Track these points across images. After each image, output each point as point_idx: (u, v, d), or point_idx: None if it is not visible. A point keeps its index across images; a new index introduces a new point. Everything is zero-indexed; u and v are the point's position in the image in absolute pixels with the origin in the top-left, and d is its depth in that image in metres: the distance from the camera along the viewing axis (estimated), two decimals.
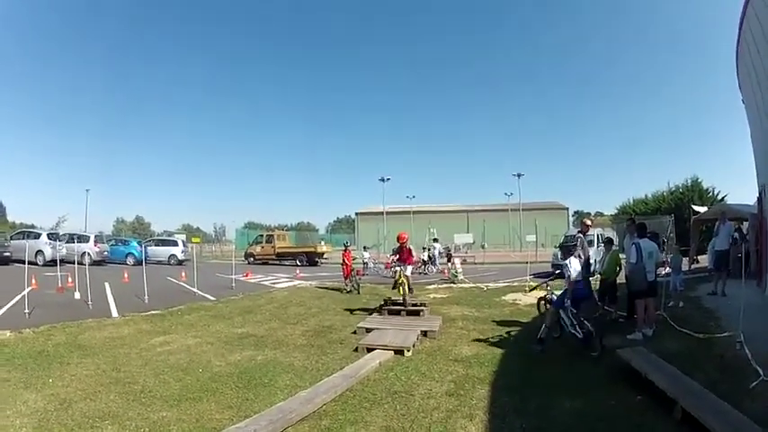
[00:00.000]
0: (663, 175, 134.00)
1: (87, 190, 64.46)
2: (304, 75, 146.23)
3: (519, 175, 62.78)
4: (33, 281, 15.34)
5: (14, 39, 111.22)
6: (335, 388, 5.89)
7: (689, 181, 37.74)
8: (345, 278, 17.62)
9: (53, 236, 28.02)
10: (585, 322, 7.68)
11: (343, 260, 17.86)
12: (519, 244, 50.92)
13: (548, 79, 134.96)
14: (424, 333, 9.16)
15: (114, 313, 12.06)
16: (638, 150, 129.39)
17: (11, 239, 27.50)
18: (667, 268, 13.79)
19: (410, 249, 12.36)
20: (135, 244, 32.94)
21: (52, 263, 22.93)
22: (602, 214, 67.63)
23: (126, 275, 20.07)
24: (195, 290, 17.14)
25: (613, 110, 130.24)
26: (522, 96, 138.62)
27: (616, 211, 46.48)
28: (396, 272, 12.35)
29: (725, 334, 7.94)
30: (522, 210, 63.27)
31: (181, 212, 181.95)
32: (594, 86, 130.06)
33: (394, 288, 12.25)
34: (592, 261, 10.03)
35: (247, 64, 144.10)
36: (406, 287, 11.76)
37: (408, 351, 7.83)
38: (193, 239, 28.91)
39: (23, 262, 15.45)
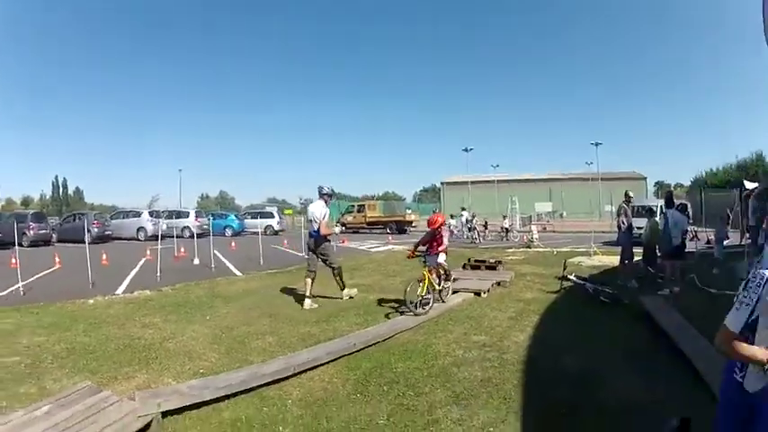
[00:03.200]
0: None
1: (180, 170, 73.40)
2: (389, 50, 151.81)
3: (597, 144, 66.61)
4: (148, 252, 18.73)
5: (108, 23, 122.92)
6: (430, 313, 8.94)
7: (753, 155, 37.84)
8: None
9: (153, 213, 33.34)
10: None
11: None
12: (598, 213, 52.92)
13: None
14: (498, 283, 11.87)
15: (237, 272, 15.28)
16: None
17: (111, 219, 32.09)
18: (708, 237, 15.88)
19: (443, 235, 9.81)
20: (233, 217, 38.49)
21: (153, 238, 27.83)
22: (681, 185, 73.92)
23: (233, 244, 23.84)
24: (302, 254, 19.60)
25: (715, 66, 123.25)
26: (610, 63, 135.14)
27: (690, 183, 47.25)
28: (424, 264, 9.55)
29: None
30: (602, 179, 66.20)
31: (263, 186, 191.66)
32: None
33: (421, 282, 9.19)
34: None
35: (331, 39, 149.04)
36: (438, 279, 9.68)
37: (484, 294, 10.82)
38: (286, 211, 32.83)
39: (122, 239, 18.58)
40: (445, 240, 9.98)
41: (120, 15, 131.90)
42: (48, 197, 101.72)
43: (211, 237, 20.53)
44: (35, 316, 9.30)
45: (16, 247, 15.23)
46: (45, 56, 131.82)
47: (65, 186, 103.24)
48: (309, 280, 10.16)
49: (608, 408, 4.78)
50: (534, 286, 12.07)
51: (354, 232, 39.15)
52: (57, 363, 6.48)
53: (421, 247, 9.95)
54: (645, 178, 77.97)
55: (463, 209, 34.40)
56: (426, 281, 9.14)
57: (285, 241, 25.68)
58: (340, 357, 6.40)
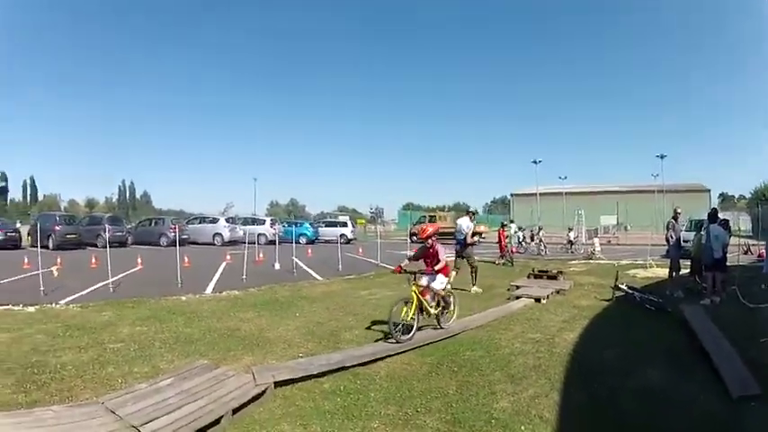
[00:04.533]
0: None
1: (255, 179, 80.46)
2: (452, 59, 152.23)
3: (662, 157, 66.81)
4: (228, 257, 20.24)
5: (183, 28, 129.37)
6: (494, 315, 10.30)
7: None
8: (501, 253, 23.05)
9: (230, 219, 35.65)
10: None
11: (499, 238, 23.55)
12: (662, 226, 53.03)
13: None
14: (557, 291, 13.12)
15: (318, 277, 16.55)
16: None
17: (187, 224, 34.09)
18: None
19: (438, 251, 8.78)
20: (307, 225, 40.51)
21: (229, 243, 30.25)
22: (743, 197, 75.13)
23: (309, 252, 25.47)
24: (377, 261, 21.78)
25: None
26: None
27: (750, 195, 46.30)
28: (414, 282, 8.42)
29: None
30: (666, 192, 66.07)
31: (333, 195, 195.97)
32: None
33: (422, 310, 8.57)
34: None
35: (405, 49, 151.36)
36: (434, 303, 8.75)
37: (543, 300, 11.93)
38: (359, 221, 33.97)
39: (197, 244, 19.88)
40: (442, 257, 8.72)
41: (200, 20, 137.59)
42: (114, 200, 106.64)
43: (293, 243, 22.54)
44: (131, 310, 10.47)
45: (108, 249, 16.51)
46: (116, 61, 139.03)
47: (132, 190, 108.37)
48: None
49: (635, 390, 5.94)
50: (590, 295, 13.19)
51: None
52: (165, 348, 7.52)
53: (410, 265, 9.04)
54: (708, 191, 77.94)
55: (511, 221, 35.07)
56: (414, 303, 8.20)
57: (360, 249, 27.27)
58: (418, 347, 7.82)
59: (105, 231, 28.30)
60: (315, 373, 6.16)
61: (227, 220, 35.36)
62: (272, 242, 29.59)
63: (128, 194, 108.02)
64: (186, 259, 15.50)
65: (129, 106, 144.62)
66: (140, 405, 4.84)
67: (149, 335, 8.38)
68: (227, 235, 33.01)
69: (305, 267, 19.05)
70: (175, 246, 27.44)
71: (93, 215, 41.99)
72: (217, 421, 4.69)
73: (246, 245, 19.44)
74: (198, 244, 30.82)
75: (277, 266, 18.50)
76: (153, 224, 34.82)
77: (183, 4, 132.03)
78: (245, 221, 36.57)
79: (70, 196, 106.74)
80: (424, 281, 8.73)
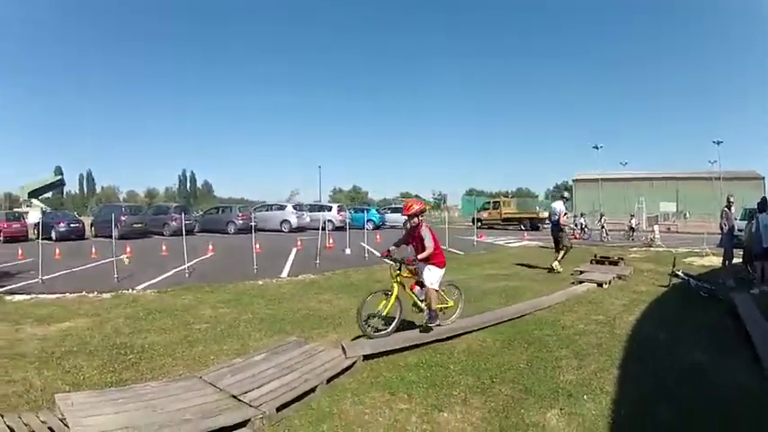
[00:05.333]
0: None
1: (319, 166, 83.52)
2: (515, 44, 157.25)
3: (718, 143, 67.26)
4: (298, 242, 20.94)
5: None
6: (560, 297, 10.82)
7: None
8: None
9: (297, 206, 36.69)
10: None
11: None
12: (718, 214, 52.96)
13: None
14: (618, 276, 13.58)
15: (389, 262, 16.23)
16: None
17: (255, 211, 34.75)
18: None
19: (422, 233, 7.56)
20: (373, 211, 41.78)
21: (296, 230, 31.43)
22: None
23: (378, 237, 25.76)
24: (444, 246, 21.07)
25: None
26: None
27: None
28: (397, 270, 7.58)
29: None
30: (722, 179, 66.51)
31: (395, 180, 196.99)
32: None
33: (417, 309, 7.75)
34: None
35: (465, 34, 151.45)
36: (426, 307, 7.56)
37: (605, 285, 12.34)
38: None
39: (265, 230, 20.59)
40: (429, 243, 7.44)
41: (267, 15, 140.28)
42: (174, 190, 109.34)
43: (366, 230, 24.17)
44: (211, 294, 11.11)
45: (183, 236, 17.16)
46: (177, 56, 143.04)
47: (192, 180, 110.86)
48: (561, 253, 14.86)
49: (684, 367, 6.41)
50: (649, 281, 13.62)
51: (489, 228, 41.62)
52: (251, 327, 8.02)
53: (398, 251, 7.98)
54: (763, 178, 77.86)
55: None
56: (394, 295, 7.31)
57: None
58: (492, 325, 8.38)
59: (173, 220, 29.59)
60: (399, 347, 6.75)
61: (294, 207, 36.24)
62: (339, 228, 30.37)
63: (188, 184, 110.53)
64: (258, 245, 15.95)
65: (191, 98, 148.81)
66: (238, 377, 5.26)
67: (233, 316, 8.93)
68: (294, 221, 33.73)
69: (375, 252, 19.27)
70: (242, 233, 28.60)
71: (159, 205, 43.74)
72: (312, 390, 5.12)
73: (319, 231, 19.84)
74: (265, 231, 31.38)
75: (348, 251, 19.21)
76: (220, 212, 36.21)
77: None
78: (312, 208, 37.67)
79: (129, 187, 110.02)
80: (429, 277, 7.54)
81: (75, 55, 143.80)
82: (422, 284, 7.65)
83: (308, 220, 33.85)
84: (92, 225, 32.45)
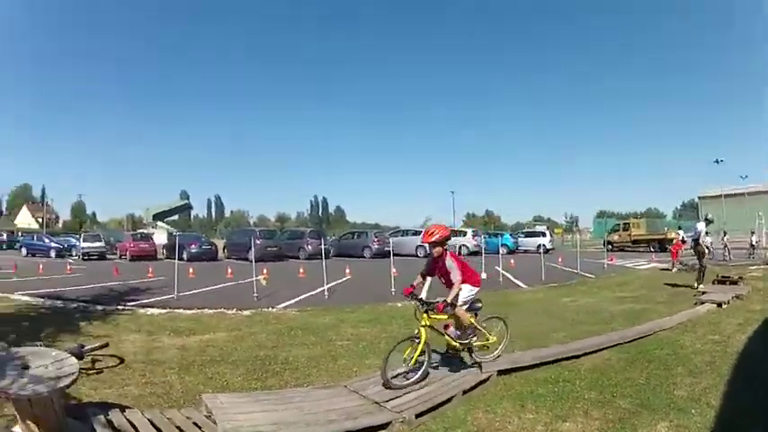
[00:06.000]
0: None
1: (452, 192, 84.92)
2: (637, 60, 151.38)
3: None
4: None
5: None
6: (681, 318, 11.06)
7: None
8: (673, 260, 24.22)
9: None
10: None
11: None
12: None
13: None
14: (737, 296, 13.73)
15: (522, 285, 17.78)
16: None
17: (390, 236, 36.15)
18: None
19: (446, 264, 6.84)
20: (507, 236, 41.81)
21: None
22: None
23: (512, 261, 26.19)
24: (576, 270, 22.60)
25: None
26: None
27: None
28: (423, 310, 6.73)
29: None
30: None
31: (527, 204, 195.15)
32: None
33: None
34: None
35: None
36: (459, 332, 6.96)
37: (724, 305, 12.49)
38: (556, 230, 34.26)
39: (400, 255, 21.57)
40: (456, 276, 6.69)
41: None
42: (306, 215, 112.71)
43: (500, 254, 25.26)
44: (351, 314, 11.79)
45: (323, 260, 18.01)
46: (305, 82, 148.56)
47: (324, 205, 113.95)
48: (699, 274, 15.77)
49: None
50: (764, 300, 13.68)
51: (620, 250, 41.85)
52: (391, 344, 8.30)
53: (420, 284, 7.31)
54: None
55: (679, 227, 34.92)
56: (422, 341, 6.47)
57: (559, 258, 28.15)
58: (615, 345, 8.63)
59: (308, 244, 30.88)
60: (529, 364, 7.15)
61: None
62: (474, 253, 30.73)
63: (320, 209, 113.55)
64: (394, 269, 16.54)
65: (322, 125, 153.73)
66: (379, 387, 5.72)
67: (374, 334, 9.49)
68: (428, 247, 33.43)
69: (510, 276, 19.93)
70: (378, 257, 29.44)
71: (294, 229, 45.57)
72: (449, 400, 5.51)
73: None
74: (400, 255, 32.15)
75: (484, 275, 19.13)
76: (356, 237, 37.80)
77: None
78: None
79: (261, 212, 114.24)
80: (458, 295, 6.73)
81: (203, 82, 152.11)
82: (458, 324, 6.94)
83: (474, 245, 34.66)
84: (224, 247, 34.90)
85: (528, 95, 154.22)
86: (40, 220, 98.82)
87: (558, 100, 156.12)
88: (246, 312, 12.14)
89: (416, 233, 36.46)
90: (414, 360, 6.48)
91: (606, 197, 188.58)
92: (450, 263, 6.80)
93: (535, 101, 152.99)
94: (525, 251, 39.34)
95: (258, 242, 28.87)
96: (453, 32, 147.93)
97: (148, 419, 4.98)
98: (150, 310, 12.65)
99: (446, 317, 6.90)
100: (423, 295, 7.06)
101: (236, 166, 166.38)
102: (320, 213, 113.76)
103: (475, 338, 7.00)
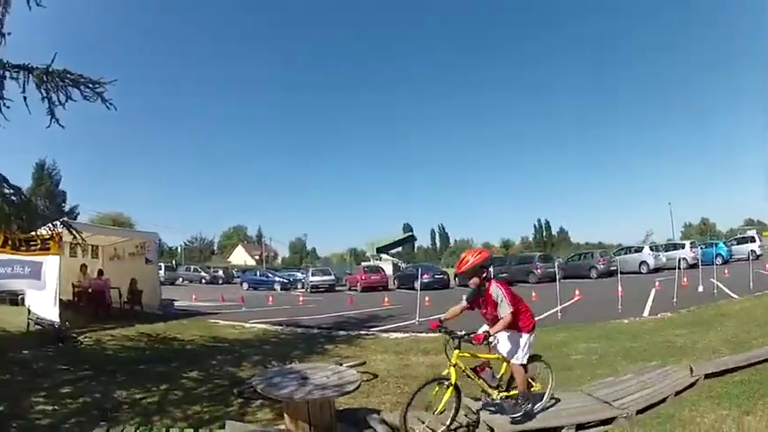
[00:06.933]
0: None
1: (669, 203, 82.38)
2: None
3: None
4: (656, 283, 22.00)
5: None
6: None
7: None
8: None
9: (653, 247, 37.42)
10: None
11: None
12: None
13: None
14: None
15: (734, 295, 17.71)
16: None
17: (614, 255, 36.25)
18: None
19: (502, 293, 5.62)
20: (721, 245, 39.53)
21: (653, 271, 32.01)
22: None
23: (726, 272, 25.81)
24: None
25: None
26: None
27: None
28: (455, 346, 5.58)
29: None
30: None
31: (740, 208, 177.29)
32: None
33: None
34: None
35: None
36: (500, 396, 5.85)
37: None
38: (764, 233, 31.95)
39: (624, 273, 24.88)
40: (504, 309, 5.56)
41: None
42: (530, 239, 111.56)
43: (715, 266, 23.78)
44: (582, 331, 12.83)
45: (557, 281, 19.25)
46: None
47: (547, 228, 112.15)
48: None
49: None
50: None
51: None
52: (619, 357, 9.68)
53: (454, 314, 6.07)
54: None
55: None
56: (452, 383, 5.49)
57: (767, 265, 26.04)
58: None
59: (537, 268, 31.86)
60: (733, 367, 7.53)
61: (650, 248, 36.61)
62: (692, 265, 30.03)
63: (544, 232, 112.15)
64: (620, 288, 17.14)
65: (534, 150, 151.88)
66: (609, 390, 6.85)
67: (603, 348, 10.48)
68: (651, 263, 33.89)
69: (723, 287, 19.60)
70: (604, 277, 29.77)
71: (524, 255, 46.26)
72: (663, 400, 6.43)
73: (675, 270, 20.22)
74: (624, 273, 31.84)
75: (700, 289, 19.61)
76: (582, 258, 38.02)
77: None
78: (667, 247, 37.56)
79: (485, 239, 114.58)
80: (500, 343, 5.82)
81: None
82: (491, 369, 5.96)
83: (663, 260, 33.97)
84: (455, 276, 35.72)
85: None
86: (257, 257, 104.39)
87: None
88: None
89: (638, 249, 36.49)
90: (441, 406, 5.54)
91: None
92: (496, 291, 5.65)
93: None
94: (738, 259, 36.97)
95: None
96: None
97: (416, 417, 5.61)
98: (393, 335, 13.98)
99: (484, 356, 5.94)
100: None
101: (457, 195, 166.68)
102: (543, 236, 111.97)
103: (529, 405, 5.85)
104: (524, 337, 5.76)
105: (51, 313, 13.78)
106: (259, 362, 10.55)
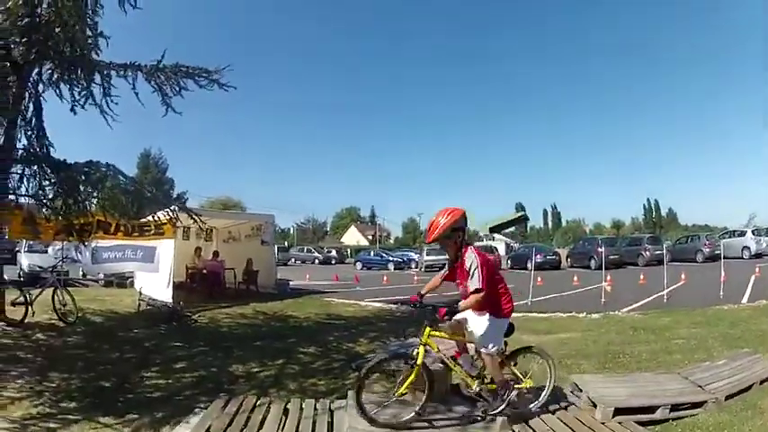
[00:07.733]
0: None
1: None
2: None
3: None
4: (757, 270, 21.95)
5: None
6: None
7: None
8: None
9: (756, 231, 34.72)
10: None
11: None
12: None
13: None
14: None
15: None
16: None
17: (719, 239, 34.35)
18: None
19: (476, 262, 4.70)
20: None
21: (756, 256, 30.37)
22: None
23: None
24: None
25: None
26: None
27: None
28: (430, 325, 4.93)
29: None
30: None
31: None
32: None
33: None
34: None
35: None
36: (479, 388, 5.14)
37: None
38: None
39: (728, 258, 22.71)
40: (473, 281, 4.67)
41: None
42: (640, 220, 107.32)
43: None
44: (685, 316, 12.67)
45: (664, 265, 19.17)
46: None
47: (657, 209, 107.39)
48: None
49: None
50: None
51: None
52: (716, 342, 9.60)
53: (429, 294, 5.35)
54: None
55: None
56: (418, 364, 4.81)
57: None
58: None
59: (646, 251, 31.14)
60: None
61: (752, 233, 34.43)
62: (757, 255, 29.13)
63: (653, 213, 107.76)
64: (723, 273, 16.89)
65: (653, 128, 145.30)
66: (703, 374, 6.99)
67: (702, 334, 10.39)
68: (753, 248, 32.23)
69: None
70: (709, 261, 29.10)
71: (633, 236, 44.68)
72: (749, 387, 6.48)
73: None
74: (728, 258, 30.88)
75: None
76: (689, 241, 36.43)
77: None
78: None
79: (597, 219, 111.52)
80: (452, 324, 5.06)
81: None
82: (468, 353, 5.35)
83: (764, 245, 32.18)
84: (568, 256, 35.66)
85: None
86: (370, 237, 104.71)
87: None
88: (595, 315, 13.24)
89: (741, 234, 34.46)
90: (402, 389, 4.90)
91: None
92: (470, 259, 4.75)
93: None
94: None
95: (600, 250, 29.15)
96: None
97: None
98: None
99: (459, 338, 5.26)
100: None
101: (570, 175, 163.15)
102: (653, 217, 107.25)
103: (513, 393, 5.14)
104: (496, 323, 4.96)
105: (164, 294, 14.28)
106: (375, 338, 10.94)
